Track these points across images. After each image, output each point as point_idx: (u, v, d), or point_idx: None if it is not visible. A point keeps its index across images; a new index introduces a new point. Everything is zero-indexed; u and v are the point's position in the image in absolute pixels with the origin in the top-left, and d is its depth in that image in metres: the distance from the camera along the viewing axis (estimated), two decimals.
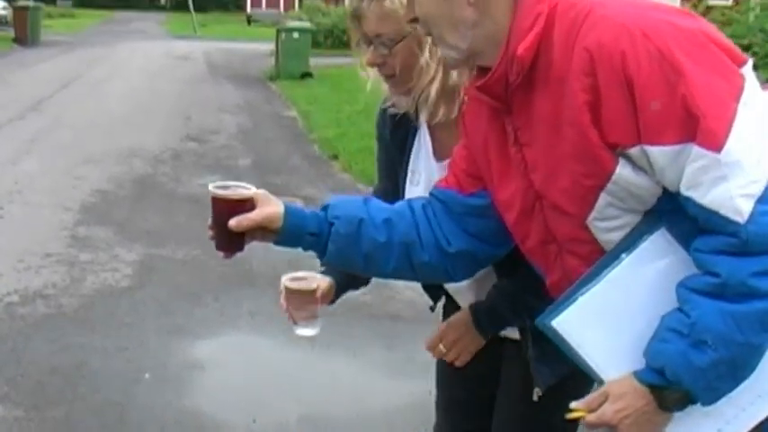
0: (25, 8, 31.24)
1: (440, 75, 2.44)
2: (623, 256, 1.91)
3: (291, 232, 2.20)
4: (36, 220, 8.13)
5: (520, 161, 2.04)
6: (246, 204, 2.18)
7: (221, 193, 2.21)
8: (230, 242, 2.21)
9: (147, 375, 5.05)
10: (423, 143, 2.62)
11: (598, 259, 1.95)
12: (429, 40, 2.33)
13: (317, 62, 21.93)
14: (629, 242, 1.91)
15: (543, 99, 1.93)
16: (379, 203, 2.32)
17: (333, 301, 2.70)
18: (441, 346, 2.61)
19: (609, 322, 1.93)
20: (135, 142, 12.29)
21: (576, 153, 1.87)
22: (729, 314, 1.76)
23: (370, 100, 2.64)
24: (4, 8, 34.43)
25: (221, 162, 11.22)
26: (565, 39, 1.87)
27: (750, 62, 1.84)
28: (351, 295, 2.82)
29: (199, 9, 58.65)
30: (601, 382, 1.96)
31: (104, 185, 9.64)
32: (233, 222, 2.16)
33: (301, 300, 2.59)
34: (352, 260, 2.27)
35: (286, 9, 54.12)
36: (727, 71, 1.77)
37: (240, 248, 2.23)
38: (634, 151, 1.81)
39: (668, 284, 1.85)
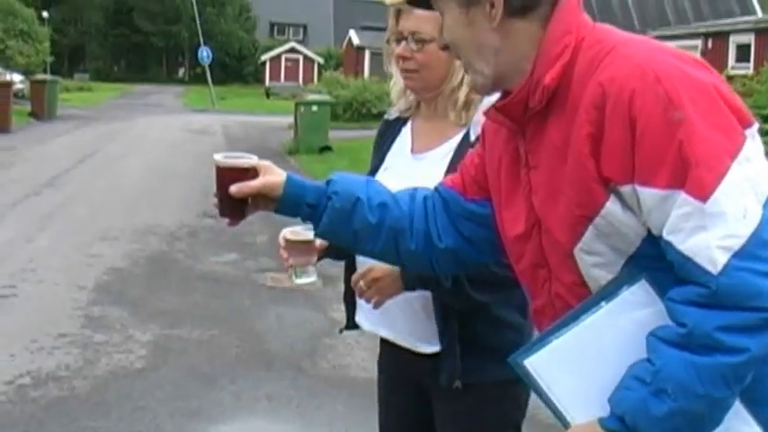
0: (42, 82, 31.75)
1: (466, 82, 2.72)
2: (603, 303, 1.95)
3: (290, 201, 2.34)
4: (50, 298, 8.18)
5: (526, 183, 2.11)
6: (249, 173, 2.31)
7: (225, 161, 2.33)
8: (233, 209, 2.35)
9: None
10: (403, 140, 2.95)
11: (579, 291, 2.01)
12: None
13: (336, 135, 22.12)
14: (610, 290, 1.95)
15: (556, 126, 2.00)
16: (380, 186, 2.45)
17: (320, 258, 2.89)
18: (361, 283, 2.78)
19: (581, 367, 1.97)
20: (151, 219, 12.40)
21: (572, 181, 1.94)
22: (692, 365, 1.77)
23: None
24: (21, 82, 34.90)
25: (238, 239, 11.27)
26: (584, 71, 1.94)
27: (756, 125, 1.89)
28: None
29: (217, 82, 59.43)
30: (566, 425, 1.99)
31: (119, 263, 9.70)
32: (234, 189, 2.28)
33: (300, 249, 2.78)
34: (342, 235, 2.41)
35: (305, 82, 54.79)
36: (729, 128, 1.83)
37: (242, 216, 2.38)
38: (626, 189, 1.86)
39: (644, 335, 1.88)
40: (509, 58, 2.07)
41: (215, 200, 2.36)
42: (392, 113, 3.06)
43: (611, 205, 1.89)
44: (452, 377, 2.76)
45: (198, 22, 56.98)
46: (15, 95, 31.02)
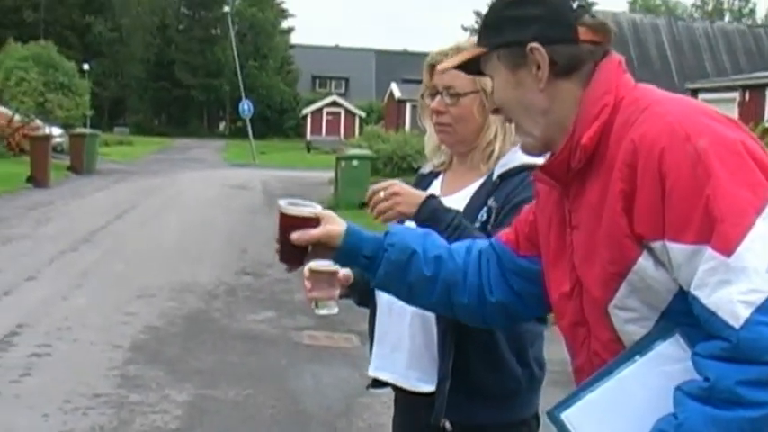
0: (81, 136, 32.20)
1: (501, 134, 2.91)
2: (637, 357, 2.01)
3: (348, 251, 2.48)
4: (85, 358, 8.27)
5: (569, 244, 2.19)
6: (311, 222, 2.44)
7: (289, 208, 2.47)
8: (292, 256, 2.47)
9: None
10: (434, 188, 3.08)
11: (614, 348, 2.07)
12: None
13: None
14: (644, 344, 2.01)
15: (594, 185, 2.08)
16: (437, 240, 2.56)
17: (343, 296, 3.01)
18: (381, 192, 2.92)
19: (614, 421, 2.02)
20: (189, 276, 12.52)
21: (605, 238, 2.02)
22: (712, 419, 1.81)
23: None
24: (60, 136, 35.39)
25: (276, 296, 11.36)
26: (620, 131, 2.03)
27: None
28: None
29: (258, 136, 59.98)
30: None
31: (156, 322, 9.80)
32: (295, 236, 2.42)
33: (324, 280, 2.90)
34: (398, 287, 2.52)
35: (346, 136, 55.16)
36: (756, 184, 1.88)
37: (300, 263, 2.52)
38: (657, 245, 1.93)
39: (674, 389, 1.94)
40: (556, 119, 2.16)
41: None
42: (426, 167, 3.17)
43: (644, 261, 1.96)
44: (439, 415, 2.86)
45: (239, 75, 57.66)
46: (55, 149, 31.46)
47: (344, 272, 3.00)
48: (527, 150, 2.29)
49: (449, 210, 2.86)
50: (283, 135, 78.61)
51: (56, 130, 35.41)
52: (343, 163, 22.56)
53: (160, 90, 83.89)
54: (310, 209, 2.48)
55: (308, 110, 69.57)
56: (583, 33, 2.16)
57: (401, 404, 3.14)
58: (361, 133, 45.48)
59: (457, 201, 2.93)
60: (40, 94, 35.37)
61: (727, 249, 1.82)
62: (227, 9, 68.76)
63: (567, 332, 2.25)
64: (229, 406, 7.14)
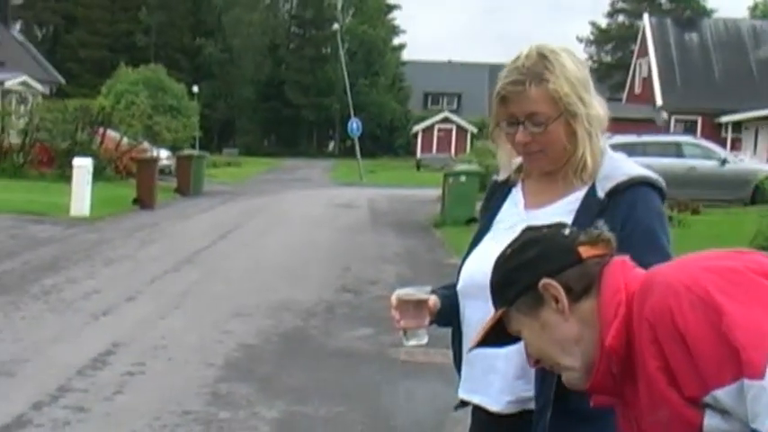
0: (189, 157, 32.82)
1: (587, 142, 2.85)
2: None
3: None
4: (178, 376, 8.42)
5: None
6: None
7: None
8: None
9: None
10: (514, 199, 3.02)
11: None
12: (581, 112, 2.79)
13: None
14: None
15: (642, 381, 2.11)
16: None
17: (432, 323, 3.02)
18: None
19: None
20: (288, 295, 12.65)
21: (669, 423, 2.05)
22: None
23: None
24: (168, 158, 36.15)
25: (376, 313, 11.39)
26: (638, 317, 2.08)
27: None
28: None
29: (367, 155, 60.38)
30: None
31: (251, 340, 9.92)
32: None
33: (413, 309, 2.95)
34: None
35: (457, 152, 55.18)
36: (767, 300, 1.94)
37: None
38: (709, 400, 1.97)
39: None
40: (589, 341, 2.21)
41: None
42: (502, 175, 3.13)
43: (710, 420, 2.00)
44: None
45: (349, 93, 58.17)
46: (162, 172, 32.17)
47: (433, 299, 3.00)
48: (575, 386, 2.31)
49: None
50: (393, 153, 78.94)
51: (163, 153, 36.21)
52: (450, 179, 22.58)
53: (270, 110, 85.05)
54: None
55: (418, 127, 69.88)
56: (584, 252, 2.25)
57: (483, 425, 3.09)
58: (472, 149, 45.48)
59: (550, 215, 2.84)
60: (148, 117, 36.18)
61: (758, 373, 1.87)
62: (336, 27, 69.31)
63: None
64: (319, 423, 7.19)
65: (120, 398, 7.68)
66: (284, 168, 59.04)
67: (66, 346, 9.40)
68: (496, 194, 3.09)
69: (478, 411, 3.05)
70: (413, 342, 2.98)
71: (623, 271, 2.20)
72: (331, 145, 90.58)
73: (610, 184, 2.82)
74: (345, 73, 59.48)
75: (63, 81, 50.65)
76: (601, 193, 2.82)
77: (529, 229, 2.46)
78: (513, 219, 2.94)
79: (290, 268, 15.35)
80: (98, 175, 28.06)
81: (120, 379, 8.20)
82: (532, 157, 2.89)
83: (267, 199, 30.78)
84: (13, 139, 34.26)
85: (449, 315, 3.06)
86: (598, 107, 2.88)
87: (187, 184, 31.57)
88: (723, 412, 1.97)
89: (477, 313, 2.92)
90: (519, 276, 2.27)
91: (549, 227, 2.42)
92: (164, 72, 54.67)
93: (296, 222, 23.06)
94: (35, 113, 34.74)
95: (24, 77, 40.51)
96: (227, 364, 8.89)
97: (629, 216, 2.78)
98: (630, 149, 29.39)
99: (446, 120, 69.00)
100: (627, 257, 2.27)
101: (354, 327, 10.65)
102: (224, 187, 37.13)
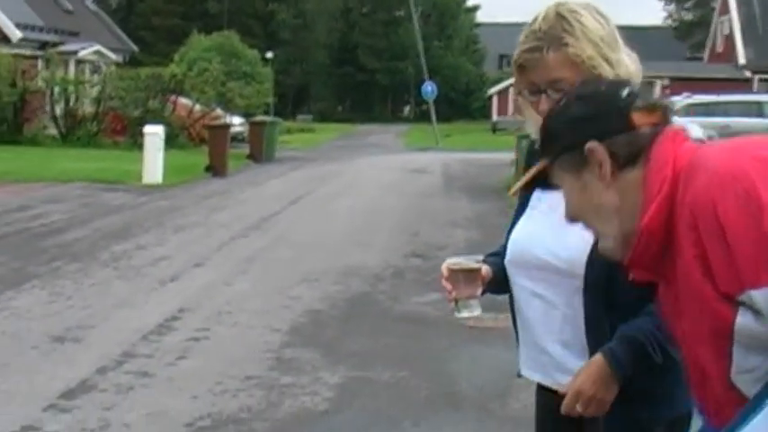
0: (261, 124, 32.94)
1: None
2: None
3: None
4: (241, 342, 8.47)
5: (681, 334, 2.14)
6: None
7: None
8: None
9: None
10: None
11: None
12: (609, 74, 2.62)
13: None
14: None
15: (680, 263, 2.03)
16: None
17: (484, 292, 2.95)
18: (578, 406, 2.67)
19: None
20: (356, 260, 12.66)
21: (701, 312, 1.98)
22: None
23: None
24: (241, 124, 36.34)
25: None
26: (681, 200, 1.99)
27: None
28: None
29: (443, 119, 60.12)
30: None
31: (318, 305, 9.95)
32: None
33: (465, 279, 2.88)
34: None
35: None
36: None
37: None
38: (744, 298, 1.87)
39: None
40: (629, 212, 2.11)
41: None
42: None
43: (742, 318, 1.91)
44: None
45: (422, 56, 57.93)
46: (235, 138, 32.37)
47: (485, 268, 2.94)
48: (608, 255, 2.23)
49: (631, 343, 2.65)
50: (469, 117, 78.55)
51: (236, 119, 36.39)
52: (523, 142, 22.37)
53: (344, 75, 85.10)
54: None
55: (494, 90, 69.40)
56: (638, 119, 2.14)
57: (547, 400, 3.04)
58: None
59: None
60: (221, 84, 36.37)
61: None
62: None
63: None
64: (382, 388, 7.19)
65: (183, 363, 7.75)
66: (358, 134, 59.10)
67: (133, 311, 9.51)
68: (536, 158, 3.03)
69: (540, 388, 3.02)
70: (465, 314, 2.92)
71: (675, 143, 2.09)
72: (406, 110, 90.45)
73: None
74: (419, 36, 59.16)
75: (136, 49, 51.03)
76: None
77: (586, 83, 2.39)
78: (552, 198, 2.79)
79: (360, 233, 15.36)
80: (171, 142, 28.38)
81: (184, 344, 8.28)
82: None
83: (339, 165, 30.83)
84: (87, 108, 34.71)
85: (503, 283, 3.01)
86: (629, 64, 2.72)
87: (260, 151, 31.72)
88: (757, 313, 1.88)
89: (527, 284, 2.88)
90: (565, 133, 2.19)
91: (607, 84, 2.34)
92: (237, 38, 54.99)
93: (367, 188, 23.06)
94: (108, 82, 35.14)
95: (98, 47, 40.91)
96: (292, 330, 8.93)
97: None
98: (710, 109, 29.19)
99: None
100: (682, 127, 2.17)
101: (422, 292, 10.62)
102: (297, 153, 37.27)
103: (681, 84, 41.15)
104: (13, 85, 32.57)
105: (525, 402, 6.64)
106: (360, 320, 9.39)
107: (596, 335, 2.73)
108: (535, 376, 2.96)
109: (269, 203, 19.42)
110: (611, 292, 2.69)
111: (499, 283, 3.01)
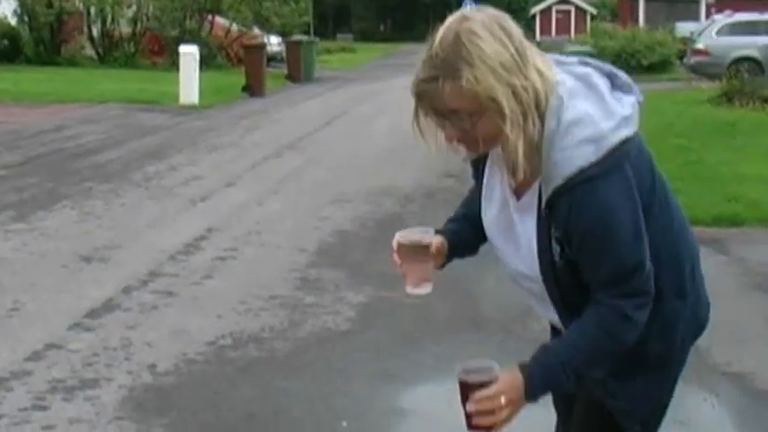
0: (298, 43, 32.83)
1: (521, 137, 2.47)
2: None
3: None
4: (268, 261, 8.52)
5: None
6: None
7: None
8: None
9: (344, 423, 5.19)
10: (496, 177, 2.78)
11: None
12: (508, 106, 2.42)
13: None
14: None
15: None
16: None
17: (443, 265, 2.94)
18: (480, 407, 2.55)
19: None
20: (389, 180, 12.65)
21: None
22: None
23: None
24: (278, 44, 36.21)
25: None
26: None
27: None
28: None
29: None
30: None
31: (347, 226, 9.97)
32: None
33: (415, 255, 2.85)
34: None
35: (576, 34, 54.11)
36: None
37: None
38: None
39: None
40: None
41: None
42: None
43: None
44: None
45: None
46: (274, 59, 32.30)
47: (437, 240, 2.88)
48: None
49: (550, 366, 2.57)
50: None
51: (274, 39, 36.26)
52: None
53: None
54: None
55: (536, 9, 68.63)
56: None
57: (557, 333, 3.01)
58: (591, 31, 44.61)
59: (521, 210, 2.68)
60: (256, 3, 36.17)
61: None
62: None
63: None
64: (405, 308, 7.19)
65: (208, 282, 7.81)
66: (399, 53, 58.60)
67: (162, 231, 9.57)
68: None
69: (552, 327, 3.07)
70: (415, 291, 2.87)
71: None
72: None
73: (548, 192, 2.52)
74: None
75: None
76: (544, 197, 2.54)
77: None
78: (501, 198, 2.76)
79: (395, 154, 15.30)
80: (209, 62, 28.40)
81: (210, 264, 8.34)
82: (472, 148, 2.61)
83: (378, 85, 30.69)
84: (124, 28, 34.69)
85: (467, 247, 2.99)
86: (539, 77, 2.49)
87: (298, 71, 31.66)
88: None
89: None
90: None
91: None
92: None
93: (405, 108, 22.71)
94: (144, 2, 35.05)
95: None
96: (320, 250, 8.96)
97: (568, 223, 2.51)
98: (753, 28, 28.58)
99: (564, 1, 67.60)
100: None
101: (452, 212, 10.57)
102: (336, 73, 37.14)
103: (727, 2, 40.49)
104: (50, 5, 32.58)
105: (546, 325, 6.65)
106: (387, 241, 9.30)
107: (571, 310, 2.68)
108: (546, 315, 2.93)
109: (305, 124, 19.40)
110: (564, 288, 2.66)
111: (463, 248, 2.99)
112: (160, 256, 8.53)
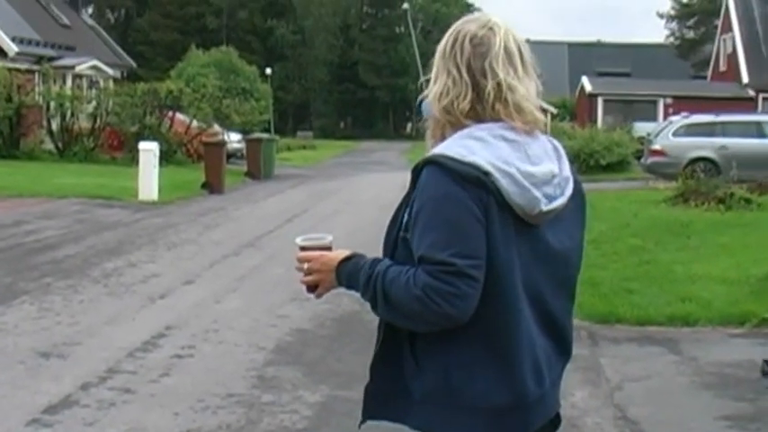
0: (258, 140, 33.15)
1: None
2: None
3: None
4: (226, 359, 8.64)
5: None
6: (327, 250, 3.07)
7: (306, 243, 3.09)
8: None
9: None
10: None
11: None
12: None
13: None
14: None
15: None
16: None
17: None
18: (305, 266, 3.09)
19: None
20: None
21: None
22: None
23: None
24: (239, 141, 36.53)
25: None
26: None
27: None
28: None
29: None
30: None
31: (305, 325, 10.11)
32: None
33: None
34: None
35: None
36: None
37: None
38: None
39: None
40: None
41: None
42: None
43: None
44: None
45: (421, 73, 58.13)
46: (234, 155, 32.56)
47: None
48: None
49: (359, 265, 3.05)
50: None
51: (234, 136, 36.58)
52: None
53: (344, 92, 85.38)
54: (326, 241, 3.05)
55: None
56: None
57: None
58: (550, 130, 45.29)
59: None
60: (217, 100, 36.57)
61: None
62: (407, 6, 69.21)
63: None
64: (361, 408, 7.31)
65: (166, 380, 7.92)
66: (359, 151, 59.28)
67: (120, 328, 9.68)
68: None
69: None
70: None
71: None
72: (408, 126, 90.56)
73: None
74: (417, 53, 59.42)
75: (134, 65, 51.29)
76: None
77: None
78: None
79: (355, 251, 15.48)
80: (168, 158, 28.59)
81: (168, 361, 8.45)
82: None
83: (339, 182, 31.02)
84: (84, 123, 34.91)
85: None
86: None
87: (257, 168, 31.92)
88: None
89: None
90: None
91: None
92: (235, 54, 55.25)
93: (365, 207, 23.20)
94: (104, 97, 35.34)
95: (95, 62, 41.14)
96: (278, 348, 9.09)
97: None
98: (709, 129, 29.05)
99: None
100: None
101: None
102: (296, 170, 37.47)
103: (684, 102, 41.36)
104: (9, 99, 32.77)
105: None
106: (347, 340, 9.52)
107: None
108: None
109: (264, 221, 19.60)
110: None
111: None
112: (118, 353, 8.63)
